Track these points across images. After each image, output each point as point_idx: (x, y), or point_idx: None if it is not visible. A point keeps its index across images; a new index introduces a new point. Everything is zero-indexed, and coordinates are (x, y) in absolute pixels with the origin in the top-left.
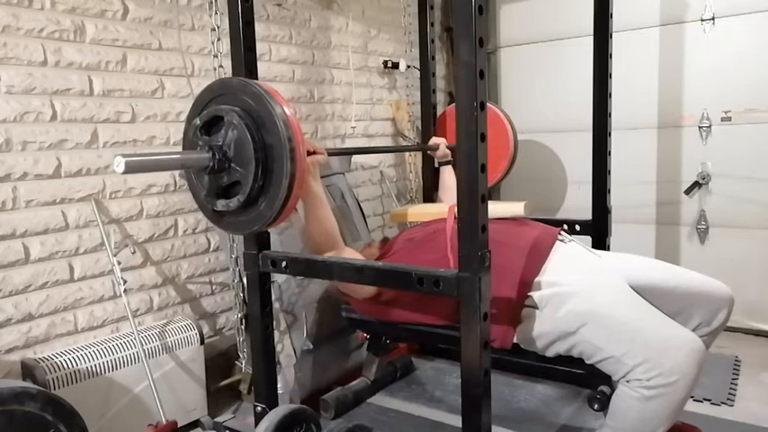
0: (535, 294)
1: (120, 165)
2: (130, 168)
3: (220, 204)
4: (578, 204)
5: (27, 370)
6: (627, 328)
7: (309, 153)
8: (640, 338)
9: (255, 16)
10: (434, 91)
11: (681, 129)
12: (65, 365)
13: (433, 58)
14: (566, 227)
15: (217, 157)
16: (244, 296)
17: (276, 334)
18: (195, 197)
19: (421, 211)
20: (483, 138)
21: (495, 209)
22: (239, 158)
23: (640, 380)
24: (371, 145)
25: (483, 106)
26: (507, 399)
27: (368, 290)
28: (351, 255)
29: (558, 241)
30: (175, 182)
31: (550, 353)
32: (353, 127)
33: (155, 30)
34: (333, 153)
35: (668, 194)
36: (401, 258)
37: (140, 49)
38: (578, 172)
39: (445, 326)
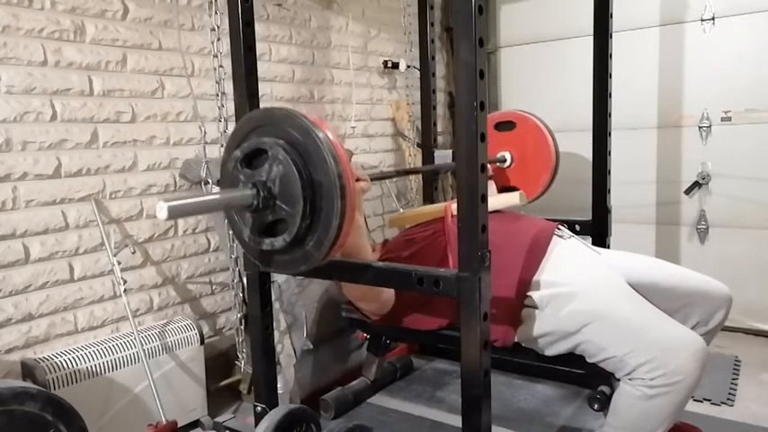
0: (535, 294)
1: (162, 210)
2: (173, 214)
3: (265, 243)
4: (578, 204)
5: (27, 370)
6: (630, 327)
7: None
8: (644, 338)
9: (255, 16)
10: (434, 91)
11: (681, 129)
12: (65, 365)
13: (433, 58)
14: (565, 226)
15: (261, 194)
16: (244, 296)
17: (276, 334)
18: (236, 235)
19: (418, 213)
20: (483, 138)
21: (491, 201)
22: (285, 195)
23: (643, 379)
24: (371, 145)
25: (483, 106)
26: (507, 399)
27: (386, 305)
28: (383, 292)
29: (556, 237)
30: (175, 182)
31: (552, 352)
32: (353, 127)
33: (155, 30)
34: (375, 178)
35: (668, 194)
36: (403, 261)
37: (140, 49)
38: (578, 172)
39: (445, 326)
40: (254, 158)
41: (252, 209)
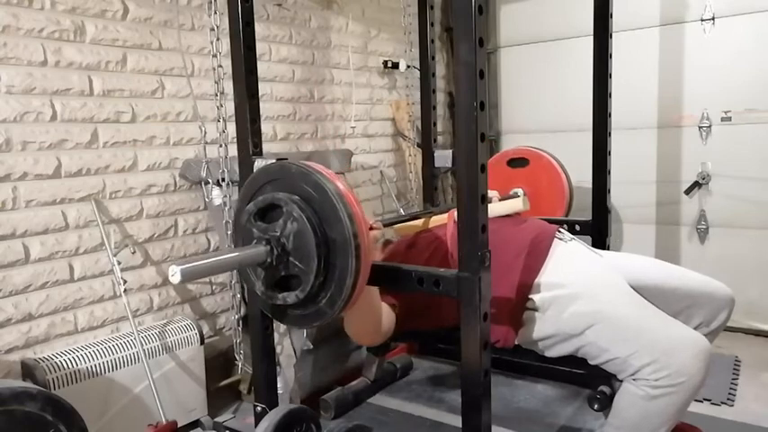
0: (536, 297)
1: (175, 275)
2: (186, 277)
3: (279, 299)
4: (578, 204)
5: (27, 370)
6: (632, 328)
7: None
8: (646, 339)
9: (255, 16)
10: (434, 91)
11: (681, 129)
12: (65, 365)
13: (433, 58)
14: (566, 227)
15: (275, 252)
16: (243, 296)
17: (276, 334)
18: (249, 287)
19: (411, 226)
20: (483, 138)
21: (494, 207)
22: (298, 252)
23: (647, 380)
24: (371, 145)
25: (483, 106)
26: (507, 399)
27: (386, 331)
28: (387, 316)
29: (557, 239)
30: (175, 182)
31: (553, 353)
32: (353, 127)
33: (155, 30)
34: (388, 224)
35: (668, 194)
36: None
37: (140, 49)
38: (578, 172)
39: (446, 326)
40: (267, 212)
41: (265, 265)
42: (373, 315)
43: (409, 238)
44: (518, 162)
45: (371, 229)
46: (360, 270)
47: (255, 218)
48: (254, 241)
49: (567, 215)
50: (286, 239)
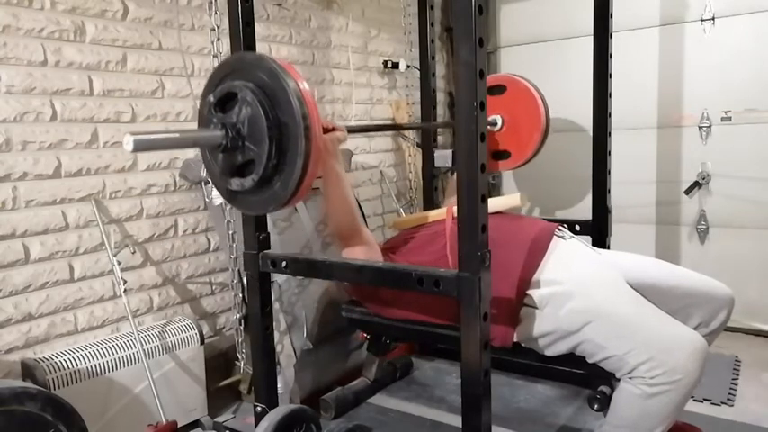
0: (534, 293)
1: (129, 143)
2: (139, 147)
3: (234, 183)
4: (578, 204)
5: (27, 370)
6: (630, 326)
7: (328, 130)
8: (643, 337)
9: (255, 16)
10: (434, 91)
11: (681, 129)
12: (65, 365)
13: (433, 58)
14: (565, 226)
15: (230, 135)
16: (243, 296)
17: (276, 334)
18: (211, 175)
19: (423, 216)
20: (483, 138)
21: (492, 203)
22: (253, 137)
23: (644, 378)
24: (371, 145)
25: (483, 106)
26: (507, 399)
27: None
28: (369, 236)
29: (556, 237)
30: (175, 182)
31: (552, 352)
32: None
33: (155, 30)
34: (352, 130)
35: (668, 194)
36: (401, 259)
37: (140, 49)
38: (578, 172)
39: (445, 326)
40: (227, 103)
41: (221, 149)
42: (346, 204)
43: (408, 231)
44: (497, 90)
45: (333, 130)
46: (310, 152)
47: (216, 109)
48: (212, 126)
49: (543, 138)
50: (241, 125)
